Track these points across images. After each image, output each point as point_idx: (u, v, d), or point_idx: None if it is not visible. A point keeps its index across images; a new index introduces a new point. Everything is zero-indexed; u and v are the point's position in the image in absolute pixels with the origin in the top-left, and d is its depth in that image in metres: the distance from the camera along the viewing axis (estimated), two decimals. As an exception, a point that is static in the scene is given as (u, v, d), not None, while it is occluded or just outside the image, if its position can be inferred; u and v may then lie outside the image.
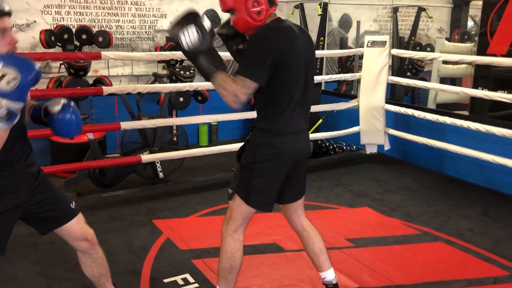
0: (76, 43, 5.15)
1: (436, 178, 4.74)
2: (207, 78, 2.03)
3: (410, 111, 4.82)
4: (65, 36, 5.02)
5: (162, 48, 5.74)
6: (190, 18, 1.96)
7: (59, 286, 2.70)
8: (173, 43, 5.70)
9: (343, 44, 7.01)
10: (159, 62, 5.82)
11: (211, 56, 2.00)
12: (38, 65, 1.71)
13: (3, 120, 1.63)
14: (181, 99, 5.47)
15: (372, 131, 5.14)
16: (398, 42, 6.45)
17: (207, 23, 1.98)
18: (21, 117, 1.90)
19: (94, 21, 5.60)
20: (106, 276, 2.31)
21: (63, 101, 2.00)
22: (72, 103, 2.03)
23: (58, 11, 5.33)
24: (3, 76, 1.61)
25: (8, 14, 1.75)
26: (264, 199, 2.18)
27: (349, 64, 6.74)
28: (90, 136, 4.27)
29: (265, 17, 2.04)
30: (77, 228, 2.14)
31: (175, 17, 1.99)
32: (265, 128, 2.12)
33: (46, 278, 2.78)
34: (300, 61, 2.06)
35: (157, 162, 4.60)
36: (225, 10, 2.07)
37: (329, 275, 2.39)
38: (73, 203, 2.15)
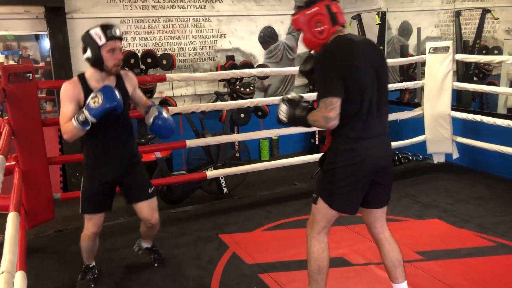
0: (142, 66, 5.42)
1: (510, 186, 4.49)
2: (308, 126, 2.29)
3: (478, 117, 4.61)
4: (132, 61, 5.31)
5: (223, 67, 5.90)
6: (280, 101, 2.38)
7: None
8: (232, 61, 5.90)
9: (403, 52, 6.85)
10: (220, 80, 5.98)
11: (301, 110, 2.28)
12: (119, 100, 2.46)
13: (80, 123, 2.43)
14: (242, 115, 5.59)
15: (439, 139, 4.96)
16: (462, 46, 6.20)
17: (292, 94, 2.41)
18: (126, 115, 2.76)
19: (158, 45, 5.87)
20: (150, 236, 3.10)
21: (154, 115, 2.73)
22: (164, 113, 2.77)
23: (124, 38, 5.63)
24: (94, 97, 2.42)
25: (121, 38, 2.55)
26: (347, 202, 2.24)
27: (411, 71, 6.57)
28: (158, 154, 4.47)
29: (328, 36, 2.20)
30: (146, 209, 2.82)
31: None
32: (343, 134, 2.19)
33: None
34: (366, 66, 2.15)
35: (221, 178, 4.71)
36: (296, 29, 2.31)
37: None
38: (152, 188, 2.85)
